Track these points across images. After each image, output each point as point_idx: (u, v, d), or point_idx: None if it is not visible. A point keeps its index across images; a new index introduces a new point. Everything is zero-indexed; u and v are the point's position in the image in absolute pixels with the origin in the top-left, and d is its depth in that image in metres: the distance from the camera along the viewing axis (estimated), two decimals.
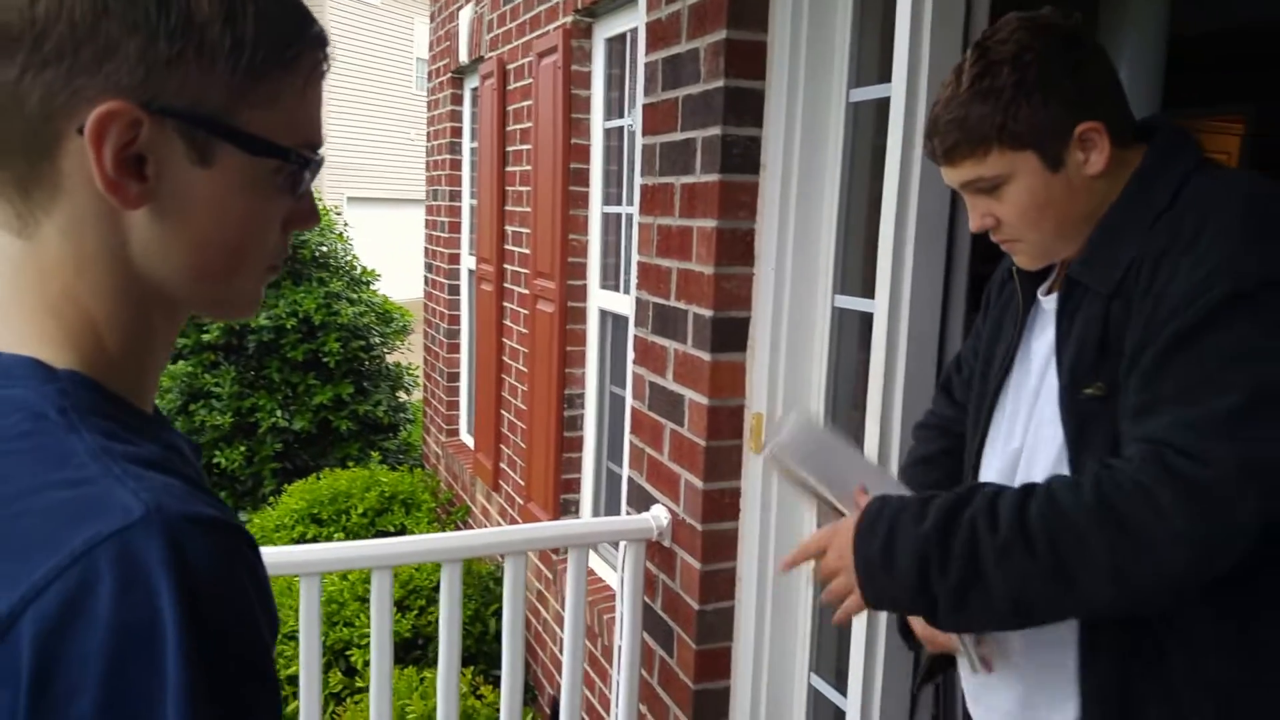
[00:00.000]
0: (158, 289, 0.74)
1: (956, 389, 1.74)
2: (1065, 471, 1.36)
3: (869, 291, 2.27)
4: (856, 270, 2.35)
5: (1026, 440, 1.46)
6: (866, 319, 2.29)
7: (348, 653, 4.28)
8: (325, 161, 0.81)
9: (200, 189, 0.72)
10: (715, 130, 2.39)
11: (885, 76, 2.15)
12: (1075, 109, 1.31)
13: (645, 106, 2.80)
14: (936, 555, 1.25)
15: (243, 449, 6.77)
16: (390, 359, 7.94)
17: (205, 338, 6.89)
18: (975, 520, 1.24)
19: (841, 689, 2.33)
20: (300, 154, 0.76)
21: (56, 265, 0.72)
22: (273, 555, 2.43)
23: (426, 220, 6.88)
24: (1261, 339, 1.15)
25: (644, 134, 2.81)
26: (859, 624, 2.09)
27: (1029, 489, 1.24)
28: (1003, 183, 1.34)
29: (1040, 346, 1.47)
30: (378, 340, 7.56)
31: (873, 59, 2.27)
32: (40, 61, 0.67)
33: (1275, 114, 6.24)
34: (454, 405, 6.38)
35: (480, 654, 4.45)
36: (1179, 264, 1.21)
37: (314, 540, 5.26)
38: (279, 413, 6.83)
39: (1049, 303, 1.46)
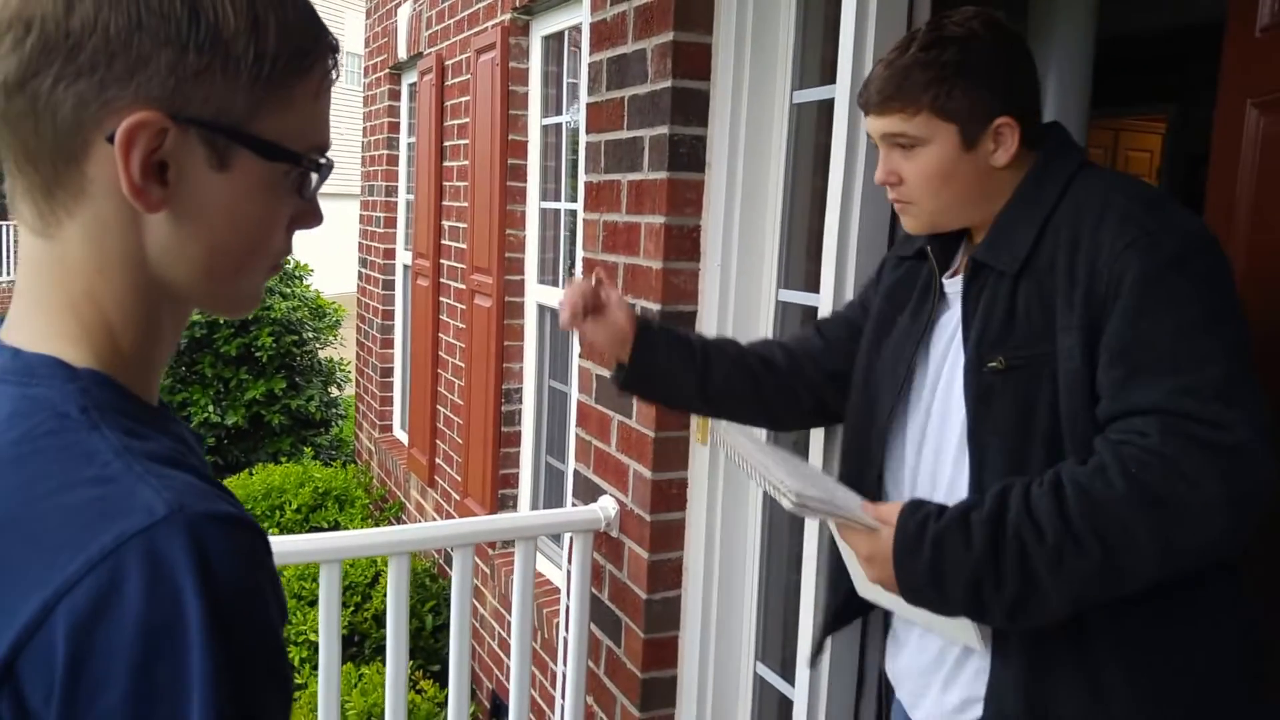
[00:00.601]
0: (170, 288, 0.77)
1: (827, 330, 1.85)
2: (968, 443, 1.43)
3: (810, 286, 2.34)
4: (799, 265, 2.42)
5: (935, 411, 1.54)
6: (809, 312, 2.36)
7: None
8: (334, 167, 0.83)
9: (216, 192, 0.75)
10: (663, 129, 2.44)
11: (827, 79, 2.22)
12: (1000, 103, 1.43)
13: (590, 105, 2.83)
14: (991, 576, 1.27)
15: None
16: (322, 354, 7.89)
17: None
18: (1021, 532, 1.26)
19: (786, 677, 2.39)
20: (311, 159, 0.79)
21: (78, 265, 0.74)
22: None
23: (361, 215, 6.84)
24: (1206, 299, 1.26)
25: (588, 132, 2.84)
26: (806, 613, 2.15)
27: (1056, 485, 1.26)
28: (919, 144, 1.44)
29: (946, 326, 1.56)
30: (310, 335, 7.52)
31: (815, 62, 2.34)
32: (74, 72, 0.69)
33: (1195, 114, 6.46)
34: (387, 401, 6.36)
35: (416, 649, 4.46)
36: (1099, 240, 1.32)
37: None
38: (211, 408, 6.76)
39: (951, 285, 1.56)
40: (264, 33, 0.73)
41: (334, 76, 0.81)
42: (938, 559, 1.30)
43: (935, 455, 1.53)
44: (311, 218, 0.83)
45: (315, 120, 0.80)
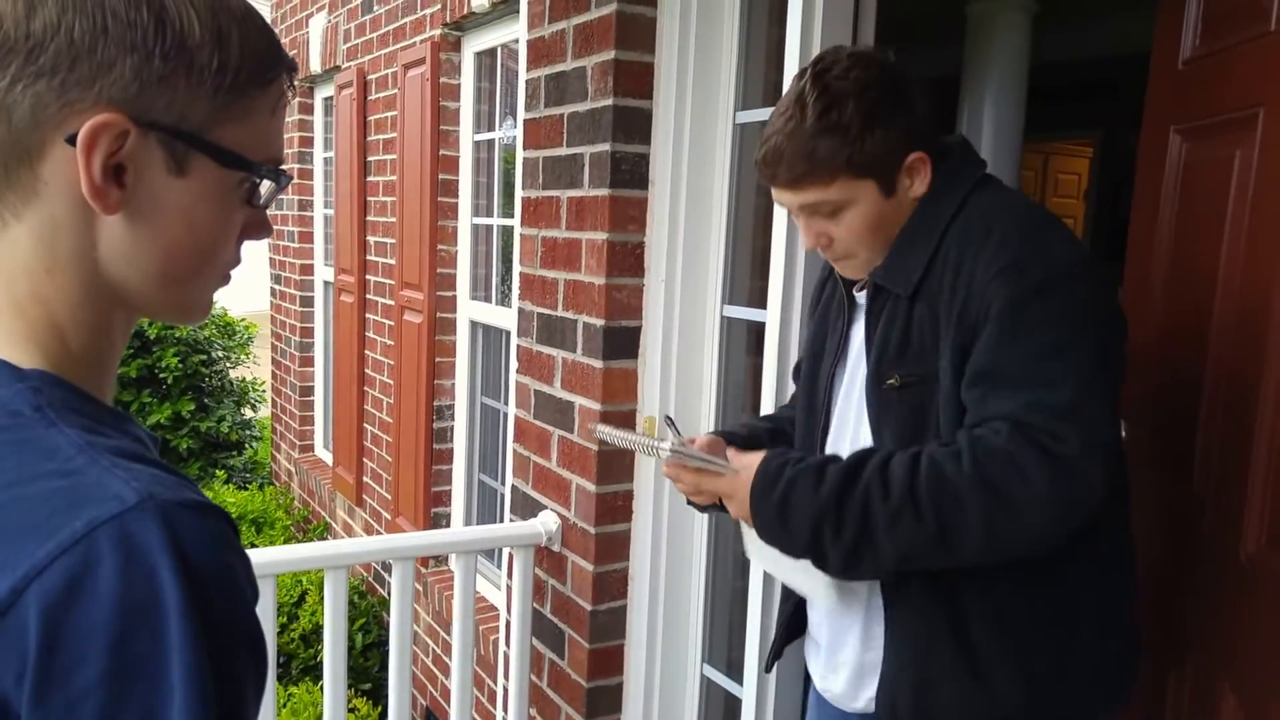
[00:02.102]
0: (121, 292, 0.78)
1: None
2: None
3: (754, 301, 2.41)
4: (744, 282, 2.48)
5: (852, 418, 1.64)
6: (753, 327, 2.43)
7: None
8: (292, 179, 0.86)
9: (173, 197, 0.76)
10: (604, 147, 2.48)
11: (770, 100, 2.29)
12: (906, 141, 1.48)
13: (527, 121, 2.86)
14: (832, 519, 1.39)
15: None
16: (234, 374, 7.71)
17: None
18: (869, 488, 1.38)
19: (734, 677, 2.44)
20: (268, 168, 0.81)
21: (24, 267, 0.75)
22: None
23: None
24: (1066, 326, 1.37)
25: (526, 148, 2.87)
26: (754, 614, 2.20)
27: (915, 457, 1.39)
28: (843, 207, 1.48)
29: (856, 337, 1.65)
30: (220, 354, 7.33)
31: (758, 83, 2.41)
32: (34, 73, 0.70)
33: (1122, 140, 6.76)
34: (308, 420, 6.27)
35: (348, 669, 4.40)
36: (975, 266, 1.41)
37: None
38: None
39: (862, 298, 1.64)
40: (228, 44, 0.76)
41: (289, 96, 0.84)
42: (787, 497, 1.43)
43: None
44: (261, 228, 0.85)
45: (271, 134, 0.82)
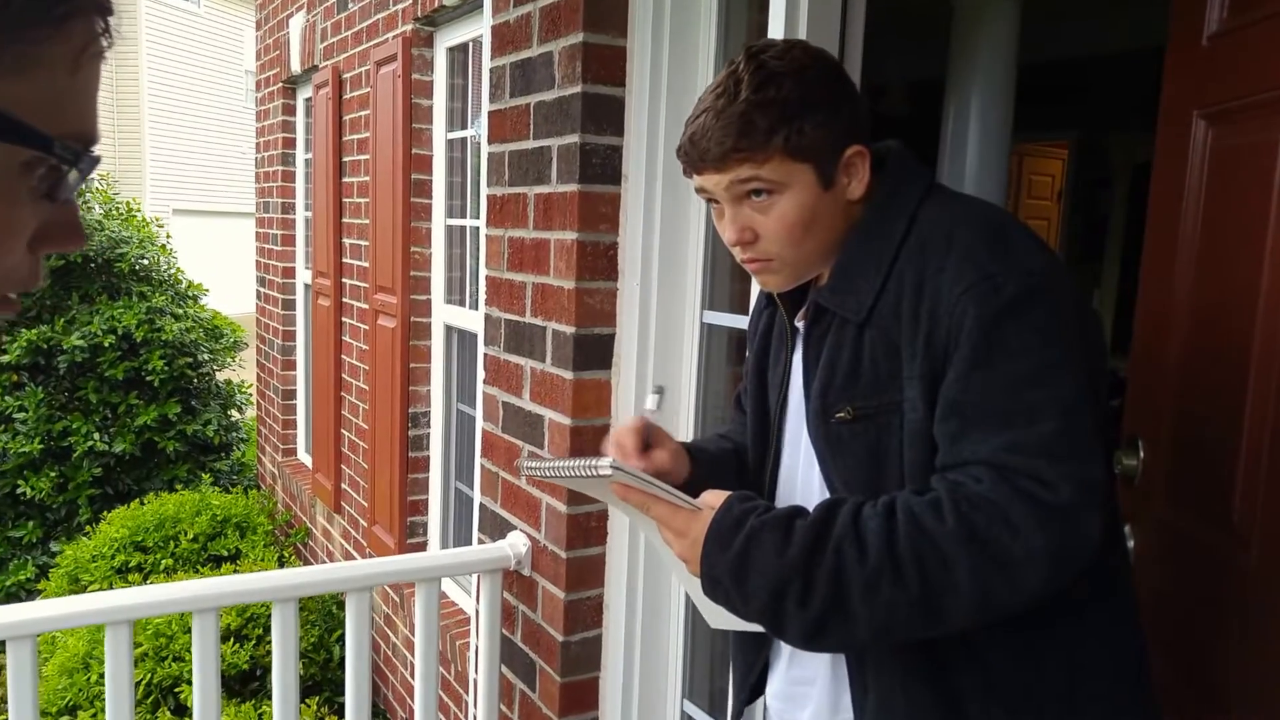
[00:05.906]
0: None
1: (745, 403, 1.73)
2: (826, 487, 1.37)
3: (736, 307, 2.23)
4: (724, 285, 2.30)
5: (802, 453, 1.46)
6: (734, 335, 2.25)
7: (177, 689, 4.01)
8: (101, 161, 0.60)
9: None
10: (573, 138, 2.29)
11: None
12: (847, 132, 1.32)
13: (492, 113, 2.68)
14: (798, 585, 1.20)
15: (53, 475, 6.31)
16: (221, 376, 7.57)
17: (4, 358, 6.41)
18: (842, 546, 1.19)
19: (715, 714, 2.26)
20: (67, 146, 0.57)
21: None
22: (75, 604, 2.18)
23: (257, 233, 6.60)
24: (1043, 347, 1.19)
25: (491, 142, 2.69)
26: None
27: (890, 509, 1.21)
28: (776, 190, 1.31)
29: (798, 369, 1.46)
30: (207, 357, 7.19)
31: None
32: None
33: (1096, 140, 6.68)
34: (290, 424, 6.12)
35: (325, 682, 4.28)
36: (939, 284, 1.24)
37: (138, 568, 4.96)
38: (97, 435, 6.40)
39: (804, 326, 1.46)
40: None
41: (104, 44, 0.59)
42: (747, 553, 1.22)
43: (804, 500, 1.44)
44: (67, 237, 0.61)
45: (74, 99, 0.58)
